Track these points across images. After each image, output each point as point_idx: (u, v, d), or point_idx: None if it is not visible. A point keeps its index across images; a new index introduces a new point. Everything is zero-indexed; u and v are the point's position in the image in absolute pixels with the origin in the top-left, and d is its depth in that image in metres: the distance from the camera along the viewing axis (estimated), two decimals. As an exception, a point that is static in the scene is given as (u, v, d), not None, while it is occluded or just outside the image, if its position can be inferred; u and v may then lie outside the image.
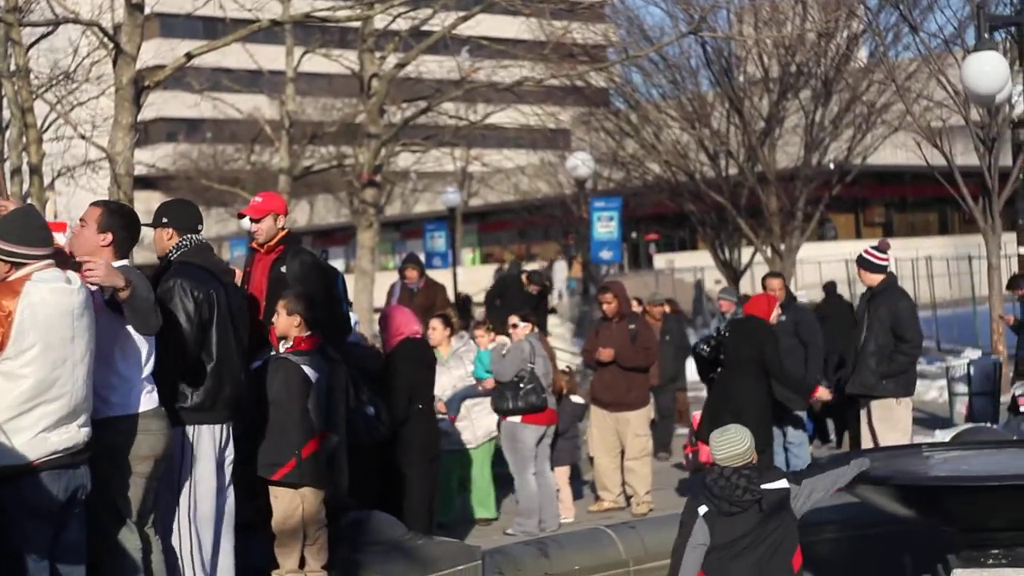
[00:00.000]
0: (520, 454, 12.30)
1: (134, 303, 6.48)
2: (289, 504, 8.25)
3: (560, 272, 43.00)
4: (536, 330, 12.67)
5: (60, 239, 9.83)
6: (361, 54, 27.07)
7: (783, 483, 7.53)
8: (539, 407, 12.23)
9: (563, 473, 13.02)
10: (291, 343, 8.39)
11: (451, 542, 9.32)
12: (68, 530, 6.23)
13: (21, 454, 5.94)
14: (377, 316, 11.71)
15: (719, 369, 11.94)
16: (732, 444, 7.47)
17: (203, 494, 7.40)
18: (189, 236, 7.56)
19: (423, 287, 16.12)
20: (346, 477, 8.95)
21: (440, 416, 11.55)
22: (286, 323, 8.40)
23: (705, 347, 12.24)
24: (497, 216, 62.39)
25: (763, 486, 7.41)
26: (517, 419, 12.27)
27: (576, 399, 13.19)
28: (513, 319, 12.61)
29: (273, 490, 8.26)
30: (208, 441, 7.40)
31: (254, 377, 8.21)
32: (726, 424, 7.86)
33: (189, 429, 7.31)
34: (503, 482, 12.99)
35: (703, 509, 7.43)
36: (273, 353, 8.43)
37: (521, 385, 12.15)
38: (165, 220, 7.59)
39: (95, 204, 7.11)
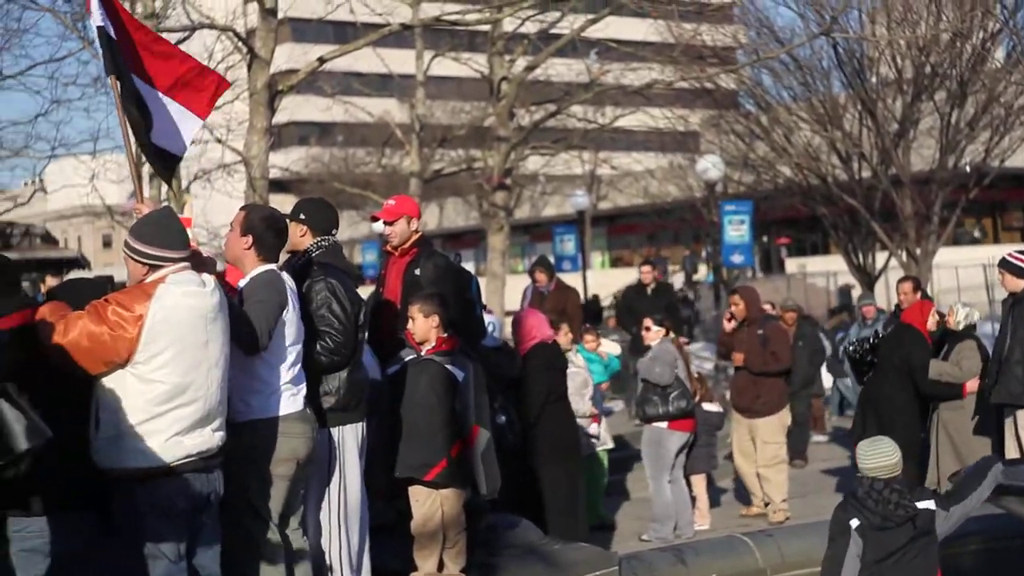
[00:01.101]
0: (662, 460, 12.18)
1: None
2: (430, 506, 8.25)
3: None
4: (671, 334, 12.56)
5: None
6: (490, 57, 27.12)
7: (931, 503, 7.36)
8: (688, 413, 12.13)
9: (699, 481, 12.89)
10: (432, 344, 8.39)
11: (588, 548, 9.22)
12: (202, 534, 6.24)
13: (155, 456, 5.94)
14: (510, 319, 11.66)
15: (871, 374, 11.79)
16: (881, 456, 7.30)
17: (352, 494, 7.44)
18: (326, 237, 7.59)
19: (554, 290, 16.05)
20: (498, 474, 8.76)
21: (582, 419, 11.46)
22: (424, 325, 8.38)
23: (855, 348, 12.05)
24: (626, 219, 62.20)
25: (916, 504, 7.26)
26: (664, 425, 12.15)
27: (709, 407, 13.04)
28: (647, 321, 12.52)
29: (413, 492, 8.27)
30: (353, 441, 7.46)
31: (393, 380, 8.23)
32: (874, 432, 7.72)
33: (335, 430, 7.35)
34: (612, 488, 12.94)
35: (855, 522, 7.26)
36: (413, 355, 8.42)
37: (667, 390, 12.03)
38: (302, 216, 7.62)
39: (241, 208, 7.15)
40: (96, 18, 7.45)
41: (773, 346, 13.01)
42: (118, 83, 7.62)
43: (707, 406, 12.98)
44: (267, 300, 6.70)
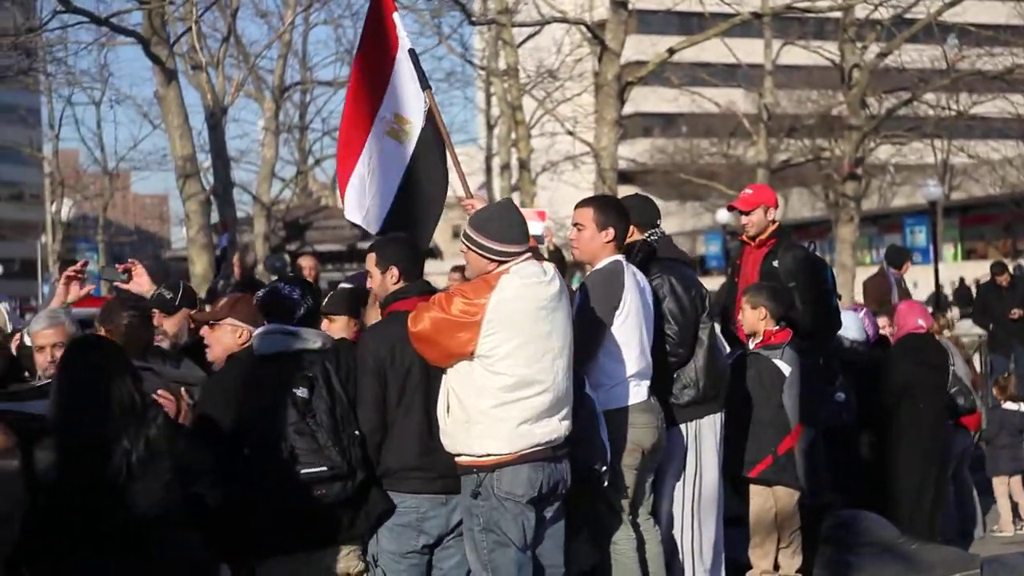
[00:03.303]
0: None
1: None
2: (763, 503, 8.15)
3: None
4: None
5: (538, 228, 10.15)
6: (841, 44, 26.56)
7: None
8: (966, 411, 11.56)
9: (1001, 483, 12.22)
10: (760, 338, 8.28)
11: (948, 548, 8.94)
12: (548, 523, 6.25)
13: (504, 443, 5.97)
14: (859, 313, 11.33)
15: None
16: None
17: (707, 486, 7.44)
18: (652, 231, 7.56)
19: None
20: (824, 474, 8.64)
21: None
22: (752, 318, 8.27)
23: None
24: (981, 210, 59.80)
25: None
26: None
27: (1011, 406, 12.33)
28: None
29: (752, 488, 8.20)
30: (710, 432, 7.44)
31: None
32: None
33: (691, 424, 7.36)
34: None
35: None
36: (743, 350, 8.34)
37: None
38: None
39: (583, 204, 7.11)
40: (405, 41, 7.59)
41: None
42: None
43: (1009, 405, 12.31)
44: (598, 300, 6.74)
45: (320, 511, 5.88)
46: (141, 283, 7.74)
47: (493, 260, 6.10)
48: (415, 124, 7.66)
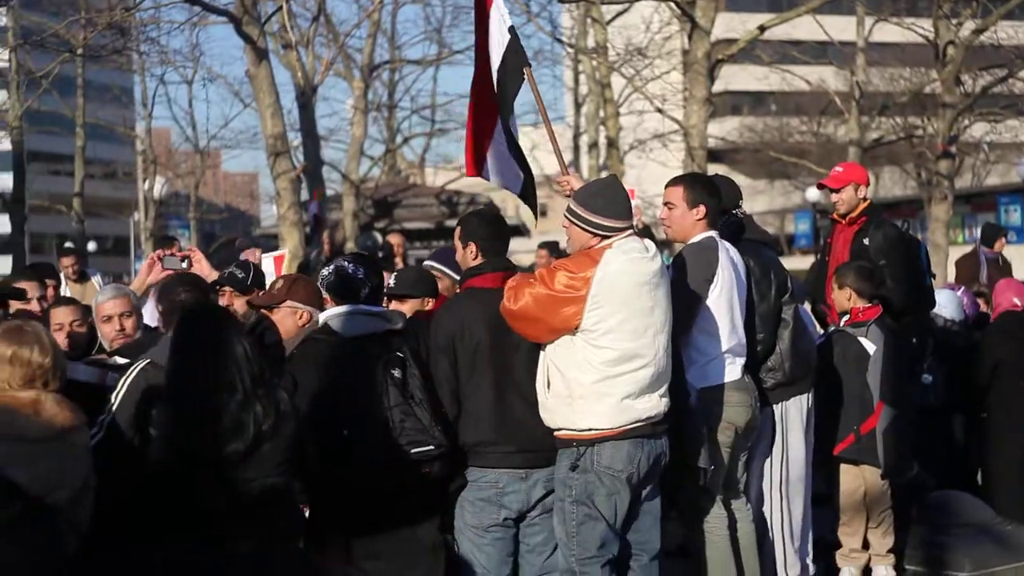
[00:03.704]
0: None
1: None
2: (851, 482, 8.12)
3: None
4: None
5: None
6: (936, 21, 26.12)
7: None
8: None
9: None
10: (847, 316, 8.23)
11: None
12: (644, 500, 6.27)
13: (605, 418, 5.99)
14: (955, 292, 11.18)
15: None
16: None
17: (794, 466, 7.41)
18: (734, 212, 7.50)
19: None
20: (907, 455, 8.47)
21: None
22: (841, 297, 8.26)
23: None
24: (1078, 189, 58.80)
25: None
26: None
27: None
28: None
29: (840, 467, 8.17)
30: (796, 413, 7.41)
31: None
32: None
33: (778, 406, 7.34)
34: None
35: None
36: (832, 328, 8.30)
37: None
38: None
39: (673, 183, 7.10)
40: (506, 19, 7.54)
41: None
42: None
43: None
44: (693, 274, 6.72)
45: (413, 487, 5.90)
46: (202, 268, 7.86)
47: (597, 235, 6.13)
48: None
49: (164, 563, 4.81)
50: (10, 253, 22.11)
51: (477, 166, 7.68)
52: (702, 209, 6.89)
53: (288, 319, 6.59)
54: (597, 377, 5.99)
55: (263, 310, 6.65)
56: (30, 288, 8.08)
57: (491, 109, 7.51)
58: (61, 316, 7.16)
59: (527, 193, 7.56)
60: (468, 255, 6.50)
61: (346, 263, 6.29)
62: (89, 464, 4.99)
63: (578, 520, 6.06)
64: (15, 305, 7.73)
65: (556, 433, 6.12)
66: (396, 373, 5.90)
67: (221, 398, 4.96)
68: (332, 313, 6.13)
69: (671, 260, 7.02)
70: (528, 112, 28.15)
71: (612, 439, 6.02)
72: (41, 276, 9.03)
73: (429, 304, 7.06)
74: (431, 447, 5.84)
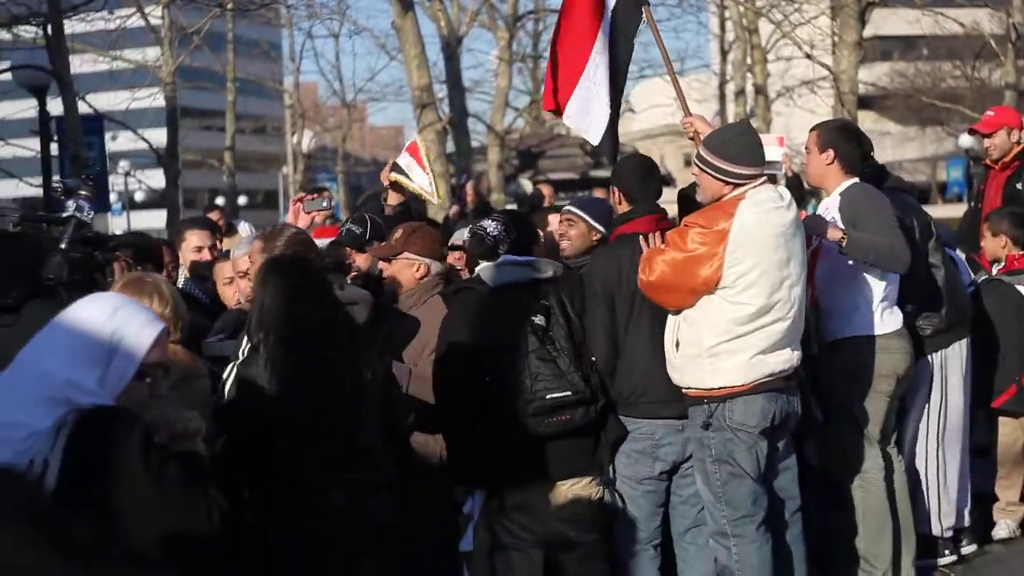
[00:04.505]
0: None
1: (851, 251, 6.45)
2: (1011, 434, 7.97)
3: None
4: None
5: (777, 154, 9.98)
6: (1098, -42, 25.32)
7: None
8: None
9: None
10: (1003, 263, 8.08)
11: None
12: (779, 454, 6.18)
13: (736, 375, 5.88)
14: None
15: None
16: None
17: (953, 414, 7.32)
18: (867, 162, 7.37)
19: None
20: None
21: None
22: (994, 245, 8.12)
23: None
24: None
25: None
26: None
27: None
28: None
29: (999, 419, 8.02)
30: (956, 360, 7.33)
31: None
32: None
33: (937, 354, 7.23)
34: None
35: None
36: (986, 276, 8.14)
37: None
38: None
39: (812, 129, 6.99)
40: None
41: None
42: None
43: None
44: (881, 210, 6.60)
45: (564, 439, 5.88)
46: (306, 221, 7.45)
47: (728, 183, 5.93)
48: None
49: (256, 518, 4.69)
50: (165, 207, 22.61)
51: (557, 103, 7.54)
52: (830, 153, 6.78)
53: (405, 271, 6.54)
54: (731, 335, 5.85)
55: (381, 262, 6.62)
56: (201, 238, 8.13)
57: (582, 46, 7.37)
58: (228, 270, 7.01)
59: (607, 134, 7.43)
60: (616, 203, 6.50)
61: (481, 224, 6.23)
62: (209, 414, 4.86)
63: (723, 480, 5.97)
64: (190, 256, 7.82)
65: (685, 391, 6.02)
66: (538, 320, 5.87)
67: (306, 351, 4.77)
68: (484, 265, 6.12)
69: (815, 208, 6.93)
70: (675, 60, 27.85)
71: (744, 394, 5.90)
72: (212, 227, 8.98)
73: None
74: (568, 392, 5.78)
